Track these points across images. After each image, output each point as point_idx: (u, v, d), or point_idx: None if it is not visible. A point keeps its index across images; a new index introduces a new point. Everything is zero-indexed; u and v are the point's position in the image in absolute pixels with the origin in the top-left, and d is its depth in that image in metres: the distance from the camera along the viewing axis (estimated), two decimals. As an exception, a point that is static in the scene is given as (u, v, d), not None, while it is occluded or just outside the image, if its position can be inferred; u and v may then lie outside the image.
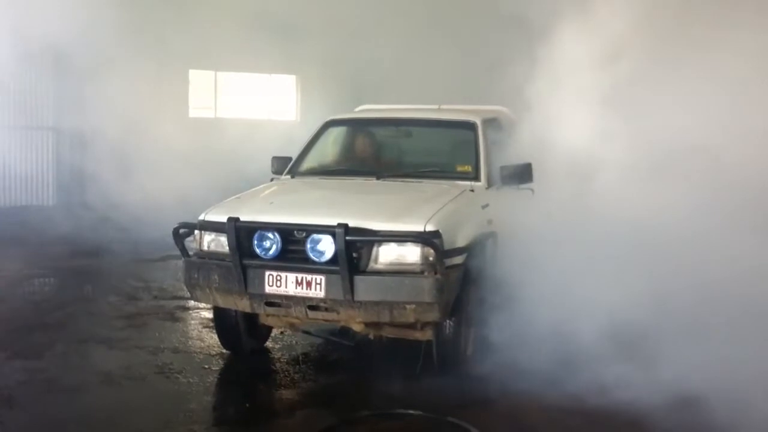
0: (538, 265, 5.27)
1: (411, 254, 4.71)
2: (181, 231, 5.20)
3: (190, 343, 6.02)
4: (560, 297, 5.34)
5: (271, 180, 6.23)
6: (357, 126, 6.76)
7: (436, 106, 6.87)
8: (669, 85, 5.79)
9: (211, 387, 5.25)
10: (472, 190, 5.57)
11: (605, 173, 5.80)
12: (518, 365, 5.12)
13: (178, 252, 5.33)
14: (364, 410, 4.60)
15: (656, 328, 5.37)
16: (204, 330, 6.25)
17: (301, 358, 5.54)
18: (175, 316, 6.78)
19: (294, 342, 5.90)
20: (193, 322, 6.61)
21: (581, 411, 4.64)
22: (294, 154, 6.44)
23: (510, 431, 4.37)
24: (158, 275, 8.15)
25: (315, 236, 4.79)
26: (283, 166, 6.32)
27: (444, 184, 5.65)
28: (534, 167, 5.74)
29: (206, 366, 5.49)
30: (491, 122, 6.39)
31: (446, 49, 12.38)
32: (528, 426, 4.47)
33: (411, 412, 4.57)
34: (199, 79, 16.82)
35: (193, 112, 16.50)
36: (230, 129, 14.18)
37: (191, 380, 5.22)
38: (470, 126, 6.14)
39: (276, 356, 5.76)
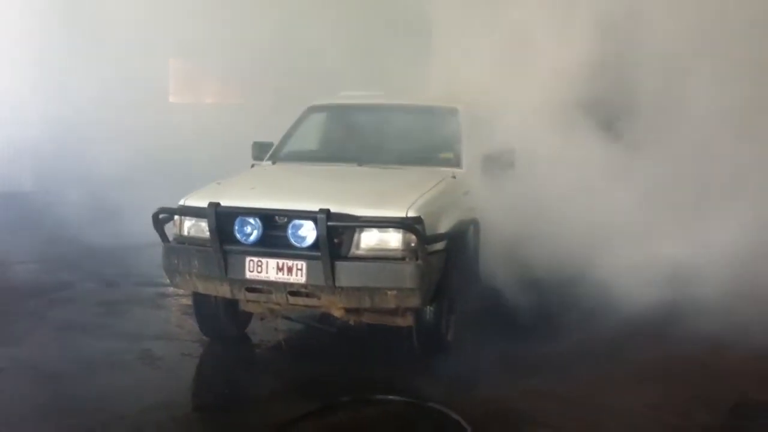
0: (519, 249, 5.29)
1: (392, 240, 4.71)
2: (161, 216, 5.15)
3: (170, 329, 6.00)
4: (542, 282, 5.38)
5: (252, 166, 6.20)
6: (339, 112, 6.75)
7: (417, 92, 6.84)
8: None
9: (192, 373, 5.25)
10: (454, 177, 5.57)
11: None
12: (498, 350, 5.16)
13: (158, 238, 5.29)
14: (344, 396, 4.60)
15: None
16: (184, 316, 6.21)
17: (282, 344, 5.52)
18: (156, 302, 6.75)
19: (275, 328, 5.87)
20: (173, 308, 6.58)
21: (561, 395, 4.68)
22: (275, 139, 6.41)
23: (489, 416, 4.38)
24: (138, 261, 8.08)
25: (296, 222, 4.77)
26: (264, 151, 6.29)
27: (426, 171, 5.65)
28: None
29: (187, 352, 5.47)
30: (473, 109, 6.37)
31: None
32: (507, 410, 4.48)
33: (391, 397, 4.57)
34: (179, 65, 16.66)
35: (173, 98, 16.35)
36: (209, 114, 14.04)
37: (172, 367, 5.20)
38: (452, 112, 6.13)
39: (257, 342, 5.76)
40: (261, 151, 6.29)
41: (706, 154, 5.81)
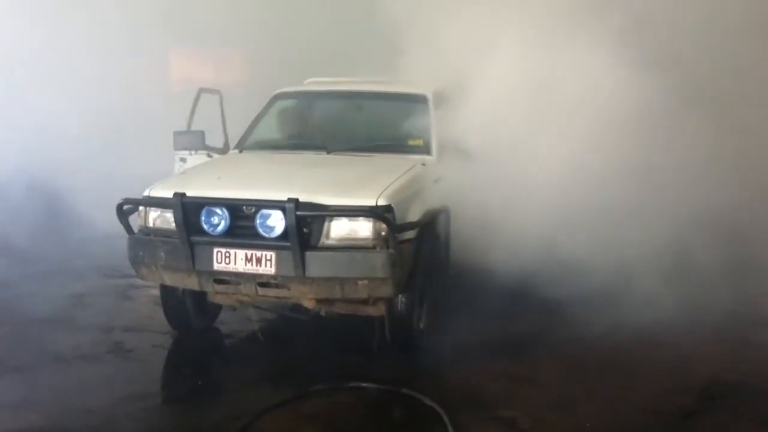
0: (490, 238, 5.30)
1: (363, 229, 4.66)
2: (126, 207, 5.06)
3: (141, 321, 5.94)
4: (512, 269, 5.39)
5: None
6: (306, 99, 6.68)
7: (385, 78, 6.79)
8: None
9: (163, 365, 5.21)
10: (424, 164, 5.55)
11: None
12: (469, 337, 5.19)
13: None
14: (318, 384, 4.59)
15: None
16: (155, 308, 6.11)
17: (253, 334, 5.51)
18: (126, 294, 6.69)
19: (247, 318, 5.84)
20: (143, 300, 6.52)
21: (532, 380, 4.72)
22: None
23: (463, 401, 4.40)
24: (106, 253, 7.99)
25: (265, 211, 4.71)
26: (190, 142, 6.13)
27: (395, 158, 5.61)
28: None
29: (158, 344, 5.43)
30: (442, 95, 6.35)
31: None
32: (480, 396, 4.51)
33: (365, 385, 4.58)
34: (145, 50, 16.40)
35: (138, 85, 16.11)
36: (175, 102, 13.85)
37: (143, 358, 5.17)
38: (422, 99, 6.10)
39: (229, 333, 5.73)
40: (185, 141, 6.10)
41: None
